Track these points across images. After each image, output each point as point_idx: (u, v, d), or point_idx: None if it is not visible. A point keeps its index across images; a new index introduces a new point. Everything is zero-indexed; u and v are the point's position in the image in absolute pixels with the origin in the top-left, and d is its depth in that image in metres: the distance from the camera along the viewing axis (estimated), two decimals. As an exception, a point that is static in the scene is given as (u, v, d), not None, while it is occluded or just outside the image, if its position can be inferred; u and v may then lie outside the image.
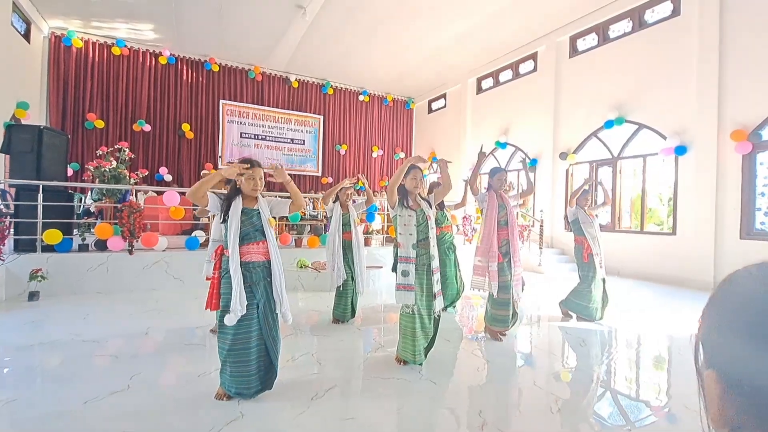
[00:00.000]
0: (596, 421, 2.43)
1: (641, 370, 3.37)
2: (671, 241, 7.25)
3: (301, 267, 6.23)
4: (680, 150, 7.02)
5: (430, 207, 3.21)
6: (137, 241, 5.64)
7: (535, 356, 3.58)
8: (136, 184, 8.10)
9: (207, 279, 3.28)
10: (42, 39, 9.68)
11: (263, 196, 2.60)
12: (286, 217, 7.13)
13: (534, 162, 9.92)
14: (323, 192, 4.43)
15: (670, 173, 7.43)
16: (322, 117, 13.41)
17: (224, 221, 2.43)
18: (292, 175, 12.79)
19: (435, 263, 3.08)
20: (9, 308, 4.54)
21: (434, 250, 3.10)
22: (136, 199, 6.54)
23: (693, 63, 6.91)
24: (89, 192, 8.28)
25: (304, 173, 13.23)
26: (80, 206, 8.05)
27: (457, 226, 7.74)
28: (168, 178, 10.89)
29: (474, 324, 4.53)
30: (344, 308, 4.25)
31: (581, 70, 9.01)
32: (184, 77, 11.49)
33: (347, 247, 4.28)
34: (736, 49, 6.43)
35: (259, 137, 12.49)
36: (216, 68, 11.73)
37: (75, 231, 6.15)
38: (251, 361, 2.43)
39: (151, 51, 11.01)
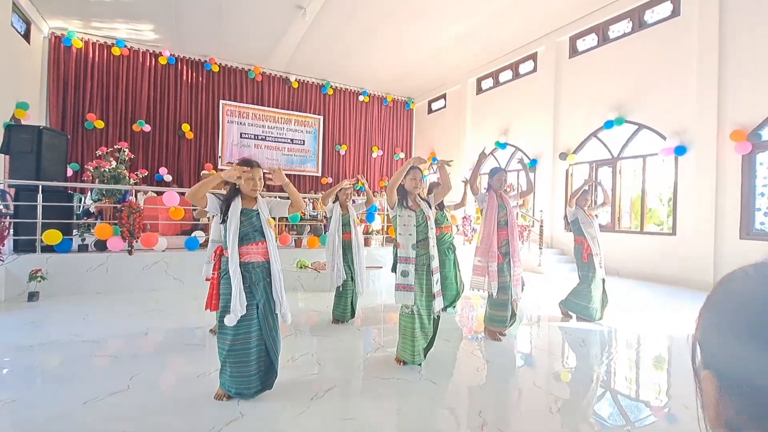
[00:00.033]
0: (596, 421, 2.42)
1: (641, 370, 3.37)
2: (671, 242, 7.25)
3: (300, 267, 6.23)
4: (680, 150, 7.03)
5: (430, 207, 3.21)
6: (137, 242, 5.64)
7: (535, 356, 3.58)
8: (135, 184, 8.10)
9: (207, 280, 3.28)
10: (42, 39, 9.68)
11: (262, 197, 2.60)
12: (286, 218, 7.13)
13: (534, 162, 9.93)
14: (323, 192, 4.43)
15: (669, 173, 7.43)
16: (321, 117, 13.41)
17: (223, 222, 2.43)
18: (292, 175, 12.80)
19: (435, 263, 3.08)
20: (8, 309, 4.54)
21: (434, 251, 3.10)
22: (136, 199, 6.54)
23: (693, 63, 6.92)
24: (89, 192, 8.28)
25: (304, 173, 13.23)
26: (80, 206, 8.05)
27: (456, 226, 7.74)
28: (168, 178, 10.89)
29: (474, 324, 4.53)
30: (344, 308, 4.25)
31: (581, 70, 9.01)
32: (184, 77, 11.49)
33: (347, 248, 4.28)
34: (736, 49, 6.43)
35: (259, 137, 12.49)
36: (216, 68, 11.73)
37: (75, 231, 6.14)
38: (251, 362, 2.43)
39: (151, 51, 11.01)
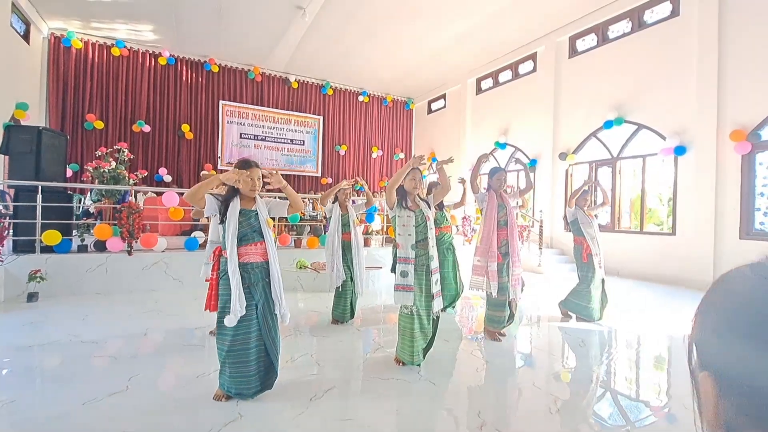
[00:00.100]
0: (596, 421, 2.42)
1: (641, 371, 3.37)
2: (671, 242, 7.25)
3: (300, 268, 6.23)
4: (679, 150, 7.03)
5: (429, 207, 3.21)
6: (136, 242, 5.64)
7: (535, 357, 3.58)
8: (135, 184, 8.10)
9: (206, 281, 3.28)
10: (41, 40, 9.68)
11: (261, 197, 2.60)
12: (286, 218, 7.14)
13: (533, 162, 9.93)
14: (322, 192, 4.44)
15: (669, 173, 7.43)
16: (321, 117, 13.41)
17: (222, 222, 2.43)
18: (292, 175, 12.80)
19: (434, 264, 3.08)
20: (8, 309, 4.54)
21: (433, 251, 3.09)
22: (136, 199, 6.54)
23: (692, 63, 6.92)
24: (88, 193, 8.28)
25: (304, 174, 13.23)
26: (79, 207, 8.05)
27: (456, 226, 7.74)
28: (167, 178, 10.89)
29: (473, 324, 4.53)
30: (343, 309, 4.25)
31: (581, 70, 9.02)
32: (184, 78, 11.49)
33: (346, 248, 4.28)
34: (736, 49, 6.43)
35: (259, 138, 12.49)
36: (216, 69, 11.73)
37: (74, 232, 6.14)
38: (251, 362, 2.43)
39: (151, 52, 11.02)
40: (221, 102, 11.91)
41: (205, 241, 5.59)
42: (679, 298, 5.89)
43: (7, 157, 5.76)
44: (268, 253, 2.50)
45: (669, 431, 2.38)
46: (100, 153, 8.00)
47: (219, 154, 11.85)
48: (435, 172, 3.65)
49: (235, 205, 2.43)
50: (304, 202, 7.74)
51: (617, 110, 8.09)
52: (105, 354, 3.30)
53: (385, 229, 8.60)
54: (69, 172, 9.01)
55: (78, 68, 10.20)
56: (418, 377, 2.90)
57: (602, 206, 4.95)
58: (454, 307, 4.89)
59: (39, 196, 5.23)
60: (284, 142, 12.88)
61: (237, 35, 10.14)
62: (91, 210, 7.96)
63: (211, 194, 2.43)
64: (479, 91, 12.15)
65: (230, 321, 2.32)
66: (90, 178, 7.96)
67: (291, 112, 12.95)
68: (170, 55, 11.12)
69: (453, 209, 5.83)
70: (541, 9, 8.54)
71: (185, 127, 11.36)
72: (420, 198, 3.21)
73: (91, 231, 6.02)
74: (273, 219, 2.71)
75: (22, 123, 7.74)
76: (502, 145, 10.97)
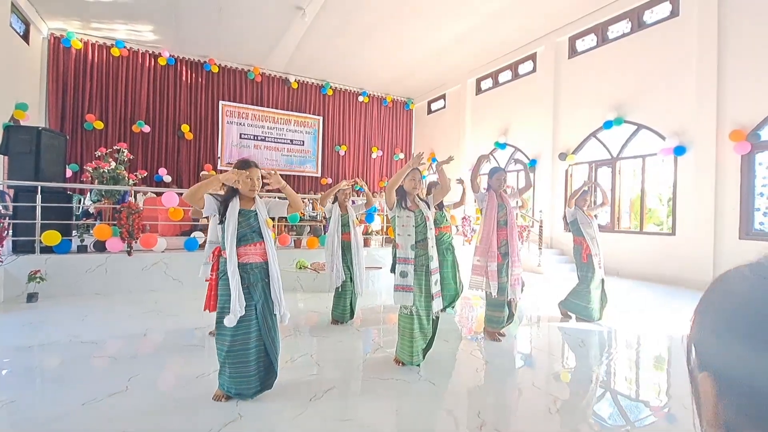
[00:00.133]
0: (595, 421, 2.42)
1: (641, 371, 3.37)
2: (670, 242, 7.25)
3: (300, 268, 6.23)
4: (679, 150, 7.03)
5: (429, 208, 3.21)
6: (136, 242, 5.63)
7: (534, 357, 3.57)
8: (135, 185, 8.10)
9: (206, 280, 3.28)
10: (41, 40, 9.68)
11: (261, 197, 2.60)
12: (286, 218, 7.13)
13: (533, 162, 9.93)
14: (322, 193, 4.44)
15: (669, 173, 7.44)
16: (321, 118, 13.42)
17: (221, 223, 2.43)
18: (292, 176, 12.80)
19: (434, 264, 3.08)
20: (8, 309, 4.54)
21: (433, 251, 3.09)
22: (135, 200, 6.54)
23: (692, 63, 6.92)
24: (88, 193, 8.28)
25: (304, 174, 13.22)
26: (79, 207, 8.04)
27: (456, 226, 7.74)
28: (167, 179, 10.88)
29: (473, 325, 4.53)
30: (343, 309, 4.25)
31: (580, 70, 9.02)
32: (184, 78, 11.49)
33: (346, 248, 4.28)
34: (735, 49, 6.43)
35: (259, 138, 12.49)
36: (215, 69, 11.73)
37: (74, 232, 6.14)
38: (250, 362, 2.43)
39: (151, 52, 11.02)
40: (221, 102, 11.91)
41: (205, 242, 5.60)
42: (679, 298, 5.90)
43: (6, 157, 5.76)
44: (267, 253, 2.50)
45: (669, 431, 2.38)
46: (99, 153, 7.99)
47: (219, 155, 11.85)
48: (435, 173, 3.64)
49: (235, 206, 2.42)
50: (303, 202, 7.74)
51: (617, 110, 8.09)
52: (105, 354, 3.30)
53: (384, 230, 8.60)
54: (69, 173, 9.01)
55: (78, 68, 10.20)
56: (417, 377, 2.90)
57: (602, 206, 4.96)
58: (453, 307, 4.89)
59: (38, 197, 5.23)
60: (284, 143, 12.88)
61: (237, 35, 10.14)
62: (91, 210, 7.96)
63: (210, 194, 2.43)
64: (479, 91, 12.15)
65: (230, 321, 2.32)
66: (90, 179, 7.96)
67: (291, 113, 12.95)
68: (170, 55, 11.12)
69: (453, 209, 5.83)
70: (541, 9, 8.54)
71: (185, 128, 11.36)
72: (419, 198, 3.21)
73: (91, 231, 6.02)
74: (272, 219, 2.70)
75: (22, 123, 7.74)
76: (502, 146, 10.98)
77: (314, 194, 10.86)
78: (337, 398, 2.59)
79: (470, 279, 3.82)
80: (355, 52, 10.94)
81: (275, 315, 2.53)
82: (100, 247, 5.58)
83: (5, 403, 2.39)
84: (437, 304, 3.09)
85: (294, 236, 7.57)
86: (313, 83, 13.28)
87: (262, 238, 2.50)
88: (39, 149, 5.48)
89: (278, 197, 4.54)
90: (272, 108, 12.67)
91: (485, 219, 3.80)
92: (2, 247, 4.68)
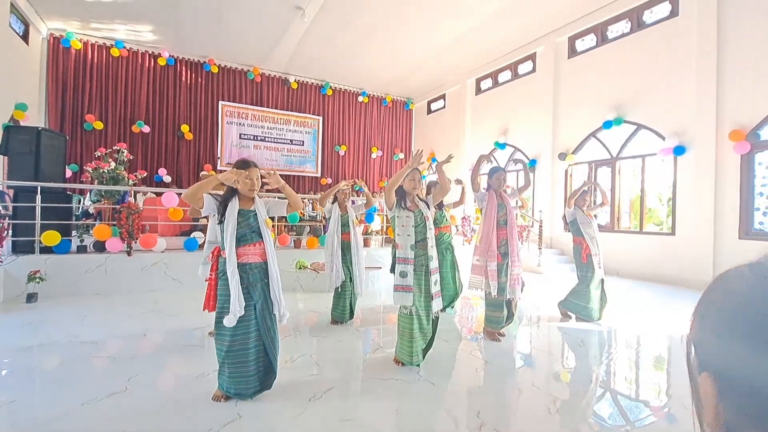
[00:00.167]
0: (595, 421, 2.42)
1: (640, 371, 3.36)
2: (670, 242, 7.25)
3: (300, 268, 6.23)
4: (679, 150, 7.03)
5: (429, 208, 3.21)
6: (136, 243, 5.63)
7: (534, 357, 3.57)
8: (134, 185, 8.10)
9: (206, 280, 3.28)
10: (41, 40, 9.68)
11: (260, 197, 2.59)
12: (285, 218, 7.13)
13: (533, 162, 9.93)
14: (322, 193, 4.45)
15: (669, 173, 7.44)
16: (321, 118, 13.41)
17: (220, 223, 2.42)
18: (292, 176, 12.80)
19: (433, 264, 3.07)
20: (7, 310, 4.53)
21: (432, 251, 3.09)
22: (135, 200, 6.54)
23: (691, 63, 6.92)
24: (88, 193, 8.28)
25: (304, 174, 13.22)
26: (79, 208, 8.05)
27: (456, 226, 7.74)
28: (167, 179, 10.88)
29: (473, 325, 4.53)
30: (343, 309, 4.25)
31: (580, 70, 9.02)
32: (183, 78, 11.49)
33: (346, 248, 4.28)
34: (735, 49, 6.43)
35: (258, 138, 12.48)
36: (215, 69, 11.73)
37: (73, 232, 6.13)
38: (250, 362, 2.43)
39: (150, 52, 11.01)
40: (221, 102, 11.91)
41: (204, 242, 5.59)
42: (679, 298, 5.90)
43: (6, 157, 5.76)
44: (266, 253, 2.50)
45: (669, 431, 2.38)
46: (99, 153, 8.00)
47: (218, 155, 11.85)
48: (435, 173, 3.65)
49: (234, 206, 2.42)
50: (303, 202, 7.74)
51: (616, 110, 8.09)
52: (104, 354, 3.30)
53: (384, 230, 8.60)
54: (68, 173, 9.01)
55: (77, 69, 10.20)
56: (417, 378, 2.89)
57: (601, 206, 4.96)
58: (452, 307, 4.89)
59: (38, 197, 5.23)
60: (284, 143, 12.88)
61: (236, 36, 10.14)
62: (91, 210, 7.96)
63: (209, 194, 2.42)
64: (479, 91, 12.15)
65: (229, 321, 2.32)
66: (89, 179, 7.96)
67: (290, 113, 12.95)
68: (170, 55, 11.11)
69: (452, 208, 5.83)
70: (541, 9, 8.54)
71: (185, 128, 11.35)
72: (419, 198, 3.21)
73: (91, 231, 6.02)
74: (272, 219, 2.70)
75: (22, 123, 7.74)
76: (502, 146, 10.98)
77: (314, 194, 10.85)
78: (336, 398, 2.59)
79: (470, 278, 3.82)
80: (355, 52, 10.94)
81: (274, 315, 2.52)
82: (100, 247, 5.58)
83: (5, 403, 2.39)
84: (437, 304, 3.09)
85: (294, 236, 7.57)
86: (312, 83, 13.28)
87: (262, 238, 2.50)
88: (39, 149, 5.48)
89: (278, 197, 4.55)
90: (272, 108, 12.67)
91: (485, 218, 3.80)
92: (2, 247, 4.68)
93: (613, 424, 2.40)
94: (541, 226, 8.62)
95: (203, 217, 5.46)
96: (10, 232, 5.32)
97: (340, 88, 13.68)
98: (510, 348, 3.70)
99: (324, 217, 7.23)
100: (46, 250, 5.25)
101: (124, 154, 8.34)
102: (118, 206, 5.84)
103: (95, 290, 5.34)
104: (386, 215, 8.07)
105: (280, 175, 2.59)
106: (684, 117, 7.03)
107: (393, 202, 3.07)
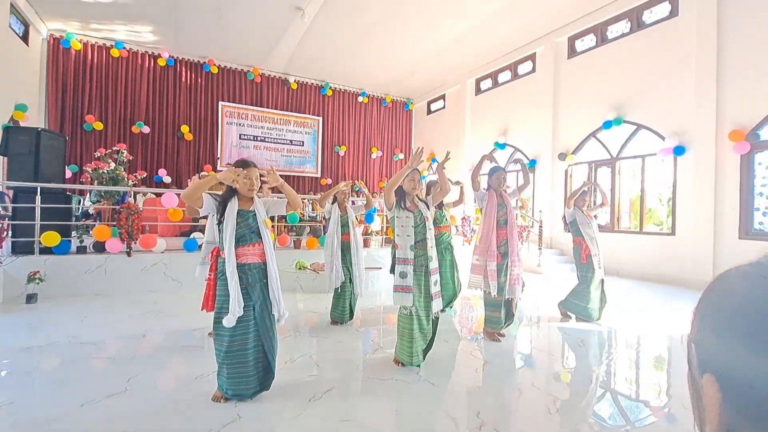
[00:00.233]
0: (595, 421, 2.42)
1: (640, 371, 3.36)
2: (670, 242, 7.25)
3: (299, 268, 6.22)
4: (679, 150, 7.03)
5: (428, 208, 3.21)
6: (135, 243, 5.63)
7: (534, 357, 3.57)
8: (134, 185, 8.10)
9: (205, 280, 3.28)
10: (40, 41, 9.67)
11: (259, 197, 2.59)
12: (285, 219, 7.13)
13: (533, 163, 9.93)
14: (321, 193, 4.45)
15: (668, 173, 7.43)
16: (321, 118, 13.42)
17: (219, 223, 2.42)
18: (292, 176, 12.79)
19: (433, 264, 3.07)
20: (7, 310, 4.53)
21: (432, 251, 3.09)
22: (135, 200, 6.53)
23: (691, 63, 6.92)
24: (88, 194, 8.28)
25: (303, 174, 13.22)
26: (78, 208, 8.05)
27: (456, 226, 7.73)
28: (167, 179, 10.88)
29: (473, 325, 4.52)
30: (342, 310, 4.25)
31: (580, 70, 9.02)
32: (183, 79, 11.49)
33: (345, 249, 4.28)
34: (734, 49, 6.44)
35: (258, 138, 12.48)
36: (215, 70, 11.73)
37: (73, 233, 6.13)
38: (248, 363, 2.42)
39: (150, 53, 11.02)
40: (220, 103, 11.91)
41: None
42: (679, 298, 5.89)
43: (6, 158, 5.75)
44: (265, 253, 2.49)
45: (669, 431, 2.38)
46: (99, 154, 8.00)
47: (218, 155, 11.84)
48: (435, 173, 3.64)
49: (233, 206, 2.42)
50: (303, 202, 7.74)
51: (616, 110, 8.09)
52: (104, 355, 3.30)
53: (384, 230, 8.59)
54: (68, 173, 9.00)
55: (77, 69, 10.20)
56: (417, 378, 2.89)
57: (601, 207, 4.96)
58: (452, 307, 4.88)
59: (38, 197, 5.23)
60: (284, 143, 12.88)
61: (236, 36, 10.14)
62: (90, 211, 7.95)
63: (208, 193, 2.42)
64: (478, 91, 12.15)
65: (228, 321, 2.32)
66: (89, 179, 7.96)
67: (290, 113, 12.95)
68: (169, 56, 11.11)
69: (452, 207, 5.82)
70: (540, 9, 8.54)
71: (184, 128, 11.35)
72: (419, 198, 3.20)
73: (90, 232, 6.01)
74: (272, 219, 2.70)
75: (21, 124, 7.74)
76: (502, 146, 10.98)
77: (314, 195, 10.85)
78: (336, 399, 2.59)
79: (469, 278, 3.82)
80: (354, 53, 10.94)
81: (273, 315, 2.52)
82: (100, 247, 5.58)
83: (5, 403, 2.39)
84: (437, 305, 3.08)
85: (294, 237, 7.57)
86: (312, 84, 13.28)
87: (261, 238, 2.50)
88: (38, 150, 5.48)
89: (277, 197, 4.54)
90: (272, 108, 12.67)
91: (485, 218, 3.80)
92: (2, 248, 4.68)
93: (613, 424, 2.40)
94: (541, 227, 8.62)
95: (202, 217, 5.45)
96: (10, 232, 5.31)
97: (340, 89, 13.68)
98: (510, 348, 3.69)
99: (324, 218, 7.22)
100: (45, 250, 5.25)
101: (124, 155, 8.34)
102: (117, 207, 5.84)
103: (95, 291, 5.34)
104: (386, 215, 8.06)
105: (279, 175, 2.59)
106: (684, 117, 7.03)
107: (393, 202, 3.07)
